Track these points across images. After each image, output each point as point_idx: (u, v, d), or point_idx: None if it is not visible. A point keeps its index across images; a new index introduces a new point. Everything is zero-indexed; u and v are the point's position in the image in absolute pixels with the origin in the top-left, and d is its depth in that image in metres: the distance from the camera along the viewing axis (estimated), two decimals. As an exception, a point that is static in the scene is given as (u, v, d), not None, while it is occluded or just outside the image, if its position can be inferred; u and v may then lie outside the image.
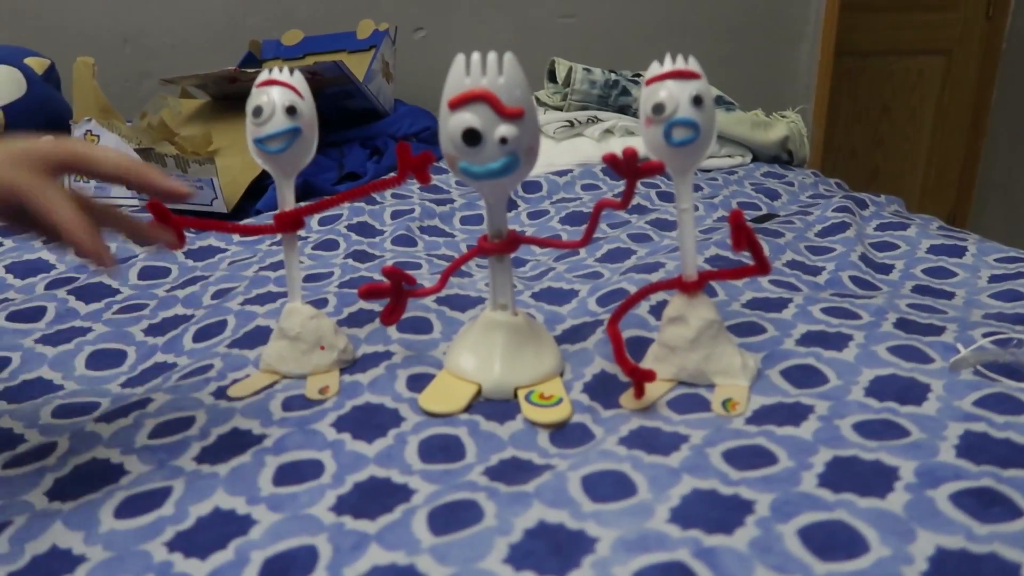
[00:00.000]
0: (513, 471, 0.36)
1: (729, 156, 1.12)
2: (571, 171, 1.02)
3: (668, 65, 0.39)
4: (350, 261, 0.67)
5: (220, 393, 0.43)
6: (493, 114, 0.38)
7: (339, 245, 0.73)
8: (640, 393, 0.40)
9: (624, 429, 0.38)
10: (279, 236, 0.45)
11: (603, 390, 0.43)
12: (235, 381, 0.45)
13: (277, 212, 0.44)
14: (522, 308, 0.51)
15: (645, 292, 0.44)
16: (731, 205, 0.90)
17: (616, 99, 1.19)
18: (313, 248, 0.72)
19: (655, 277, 0.58)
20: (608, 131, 1.12)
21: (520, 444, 0.39)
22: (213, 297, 0.59)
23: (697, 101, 0.38)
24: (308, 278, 0.62)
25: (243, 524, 0.32)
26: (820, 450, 0.35)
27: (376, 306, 0.54)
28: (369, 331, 0.50)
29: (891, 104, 2.15)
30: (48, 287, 0.62)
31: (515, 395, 0.43)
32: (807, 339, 0.46)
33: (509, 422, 0.40)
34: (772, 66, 1.76)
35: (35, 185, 0.32)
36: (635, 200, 0.82)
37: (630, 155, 0.38)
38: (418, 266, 0.67)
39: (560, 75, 1.22)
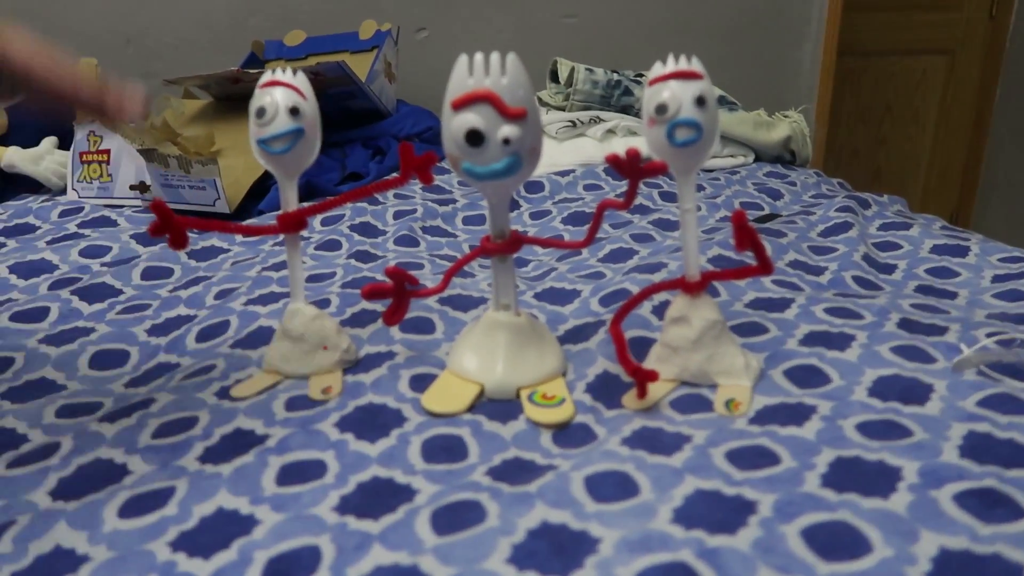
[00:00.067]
0: (516, 471, 0.36)
1: (732, 156, 1.11)
2: (573, 171, 1.02)
3: (671, 65, 0.39)
4: (353, 261, 0.67)
5: (223, 393, 0.43)
6: (496, 114, 0.38)
7: (342, 245, 0.73)
8: (643, 393, 0.40)
9: (627, 429, 0.38)
10: (282, 236, 0.45)
11: (606, 390, 0.43)
12: (238, 381, 0.45)
13: (280, 212, 0.45)
14: (525, 308, 0.51)
15: (648, 292, 0.44)
16: (733, 205, 0.90)
17: (618, 99, 1.19)
18: (316, 248, 0.72)
19: (657, 277, 0.58)
20: (610, 131, 1.12)
21: (523, 444, 0.39)
22: (216, 297, 0.60)
23: (700, 102, 0.38)
24: (311, 278, 0.63)
25: (246, 524, 0.32)
26: (823, 450, 0.35)
27: (379, 306, 0.54)
28: (372, 331, 0.50)
29: (894, 104, 2.15)
30: (51, 287, 0.62)
31: (518, 395, 0.43)
32: (810, 339, 0.46)
33: (512, 422, 0.40)
34: (774, 66, 1.76)
35: None
36: (637, 200, 0.82)
37: (633, 155, 0.38)
38: (420, 266, 0.67)
39: (562, 75, 1.22)
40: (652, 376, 0.40)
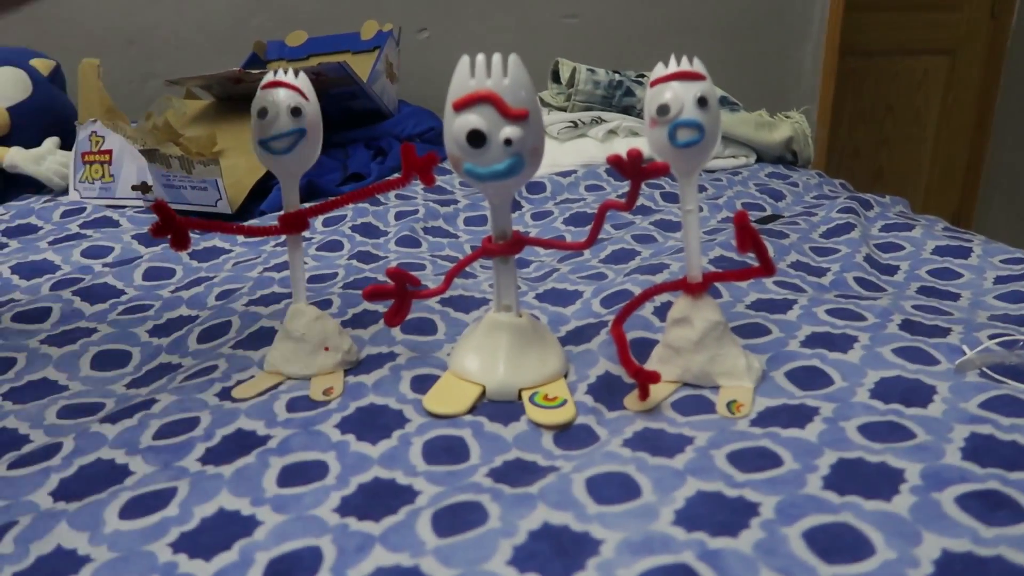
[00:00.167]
0: (517, 473, 0.36)
1: (733, 157, 1.11)
2: (575, 172, 1.01)
3: (673, 66, 0.39)
4: (354, 262, 0.67)
5: (224, 394, 0.43)
6: (498, 115, 0.38)
7: (343, 246, 0.73)
8: (644, 395, 0.40)
9: (628, 431, 0.38)
10: (283, 237, 0.45)
11: (607, 392, 0.43)
12: (239, 382, 0.45)
13: (281, 213, 0.45)
14: (526, 309, 0.51)
15: (649, 293, 0.44)
16: (735, 206, 0.90)
17: (620, 100, 1.19)
18: (317, 249, 0.72)
19: (659, 278, 0.58)
20: (612, 132, 1.12)
21: (524, 446, 0.39)
22: (218, 298, 0.60)
23: (702, 102, 0.38)
24: (312, 279, 0.63)
25: (247, 525, 0.32)
26: (825, 452, 0.35)
27: (380, 307, 0.54)
28: (373, 332, 0.50)
29: (896, 104, 2.15)
30: (53, 288, 0.62)
31: (519, 396, 0.43)
32: (812, 341, 0.46)
33: (513, 423, 0.40)
34: (776, 66, 1.76)
35: None
36: (639, 201, 0.82)
37: (635, 156, 0.38)
38: (422, 267, 0.67)
39: (564, 76, 1.22)
40: (654, 377, 0.40)
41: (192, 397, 0.43)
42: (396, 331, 0.50)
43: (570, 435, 0.39)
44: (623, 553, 0.29)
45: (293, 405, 0.42)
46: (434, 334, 0.51)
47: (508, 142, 0.38)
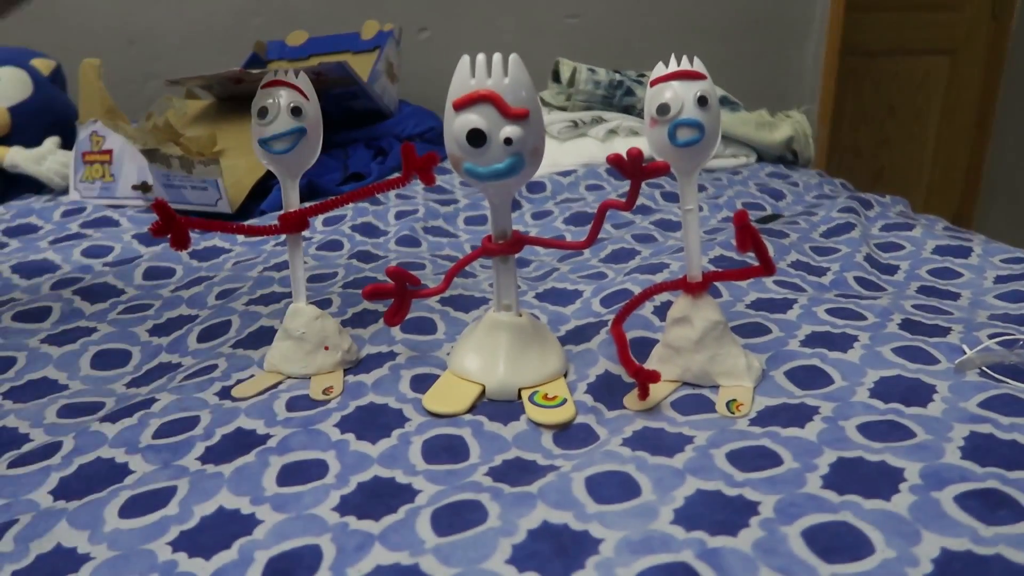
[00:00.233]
0: (517, 472, 0.36)
1: (734, 156, 1.11)
2: (575, 171, 1.02)
3: (673, 66, 0.39)
4: (354, 262, 0.67)
5: (224, 393, 0.43)
6: (498, 115, 0.38)
7: (343, 245, 0.73)
8: (644, 394, 0.40)
9: (628, 430, 0.38)
10: (284, 237, 0.45)
11: (607, 391, 0.43)
12: (239, 381, 0.45)
13: (282, 213, 0.45)
14: (526, 309, 0.51)
15: (649, 293, 0.44)
16: (736, 206, 0.90)
17: (620, 99, 1.19)
18: (317, 248, 0.72)
19: (659, 278, 0.58)
20: (612, 131, 1.12)
21: (524, 445, 0.39)
22: (218, 297, 0.60)
23: (702, 102, 0.38)
24: (312, 278, 0.63)
25: (247, 524, 0.32)
26: (825, 451, 0.35)
27: (380, 307, 0.54)
28: (373, 331, 0.50)
29: (896, 104, 2.15)
30: (54, 287, 0.62)
31: (519, 396, 0.43)
32: (812, 340, 0.46)
33: (513, 423, 0.40)
34: (777, 66, 1.76)
35: None
36: (639, 201, 0.82)
37: (635, 156, 0.38)
38: (422, 267, 0.67)
39: (564, 75, 1.22)
40: (654, 377, 0.40)
41: (192, 396, 0.43)
42: (396, 330, 0.50)
43: (570, 434, 0.39)
44: (622, 552, 0.29)
45: (293, 404, 0.42)
46: (434, 333, 0.51)
47: (508, 141, 0.38)
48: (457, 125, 0.38)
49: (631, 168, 0.39)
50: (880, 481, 0.32)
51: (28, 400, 0.46)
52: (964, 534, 0.29)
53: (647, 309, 0.51)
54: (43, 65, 1.10)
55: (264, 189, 0.90)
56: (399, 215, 0.84)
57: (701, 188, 0.97)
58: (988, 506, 0.30)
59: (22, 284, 0.64)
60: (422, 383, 0.44)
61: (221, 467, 0.36)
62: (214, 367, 0.47)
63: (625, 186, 0.95)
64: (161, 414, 0.41)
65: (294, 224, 0.44)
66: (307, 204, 0.45)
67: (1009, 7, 2.05)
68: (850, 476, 0.33)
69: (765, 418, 0.39)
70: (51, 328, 0.54)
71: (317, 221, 0.81)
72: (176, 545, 0.31)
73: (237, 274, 0.64)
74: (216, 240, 0.74)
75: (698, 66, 0.39)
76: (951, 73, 2.13)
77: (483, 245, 0.44)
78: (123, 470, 0.37)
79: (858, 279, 0.62)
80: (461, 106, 0.38)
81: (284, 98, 0.42)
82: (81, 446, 0.38)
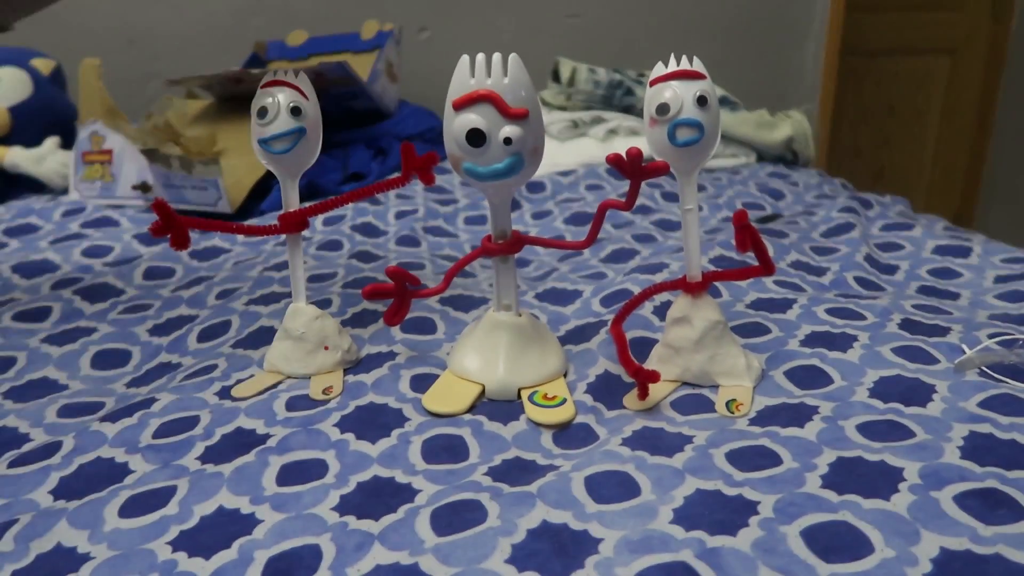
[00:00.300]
0: (516, 472, 0.36)
1: (734, 156, 1.11)
2: (575, 171, 1.02)
3: (672, 66, 0.39)
4: (354, 261, 0.67)
5: (224, 393, 0.43)
6: (497, 115, 0.38)
7: (343, 245, 0.73)
8: (644, 394, 0.40)
9: (628, 430, 0.38)
10: (283, 237, 0.45)
11: (607, 391, 0.43)
12: (239, 381, 0.45)
13: (281, 213, 0.45)
14: (526, 309, 0.51)
15: (649, 293, 0.44)
16: (735, 205, 0.90)
17: (620, 99, 1.19)
18: (317, 248, 0.72)
19: (659, 278, 0.58)
20: (612, 131, 1.12)
21: (523, 445, 0.39)
22: (218, 297, 0.60)
23: (702, 101, 0.38)
24: (312, 278, 0.63)
25: (247, 523, 0.32)
26: (824, 451, 0.35)
27: (380, 306, 0.54)
28: (373, 331, 0.50)
29: (897, 104, 2.15)
30: (54, 287, 0.62)
31: (519, 396, 0.43)
32: (811, 340, 0.46)
33: (512, 423, 0.40)
34: (777, 66, 1.76)
35: None
36: (639, 200, 0.82)
37: (634, 156, 0.38)
38: (422, 266, 0.67)
39: (564, 75, 1.22)
40: (653, 377, 0.40)
41: (192, 396, 0.43)
42: (396, 330, 0.50)
43: (569, 434, 0.39)
44: (622, 552, 0.29)
45: (293, 404, 0.42)
46: (434, 333, 0.51)
47: (508, 141, 0.38)
48: (457, 125, 0.38)
49: (631, 168, 0.39)
50: (879, 481, 0.32)
51: (28, 400, 0.46)
52: (963, 533, 0.29)
53: (647, 309, 0.51)
54: (43, 65, 1.10)
55: (264, 189, 0.90)
56: (399, 215, 0.84)
57: (701, 188, 0.97)
58: (987, 506, 0.30)
59: (22, 284, 0.64)
60: (422, 383, 0.44)
61: (221, 467, 0.36)
62: (214, 367, 0.47)
63: (625, 186, 0.95)
64: (161, 414, 0.41)
65: (294, 224, 0.44)
66: (307, 204, 0.45)
67: (1009, 7, 2.05)
68: (849, 476, 0.33)
69: (765, 418, 0.39)
70: (51, 328, 0.54)
71: (317, 221, 0.81)
72: (176, 545, 0.31)
73: (237, 274, 0.64)
74: (216, 240, 0.74)
75: (698, 66, 0.39)
76: (951, 73, 2.13)
77: (483, 245, 0.44)
78: (123, 470, 0.37)
79: (858, 279, 0.62)
80: (461, 106, 0.38)
81: (284, 98, 0.42)
82: (81, 446, 0.38)
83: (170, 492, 0.34)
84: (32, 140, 0.99)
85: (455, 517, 0.32)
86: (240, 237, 0.76)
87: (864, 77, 2.08)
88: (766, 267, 0.41)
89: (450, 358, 0.45)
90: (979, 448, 0.34)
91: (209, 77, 1.03)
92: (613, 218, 0.81)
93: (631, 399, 0.41)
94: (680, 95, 0.38)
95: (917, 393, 0.39)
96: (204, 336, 0.53)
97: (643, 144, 0.40)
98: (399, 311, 0.47)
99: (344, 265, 0.66)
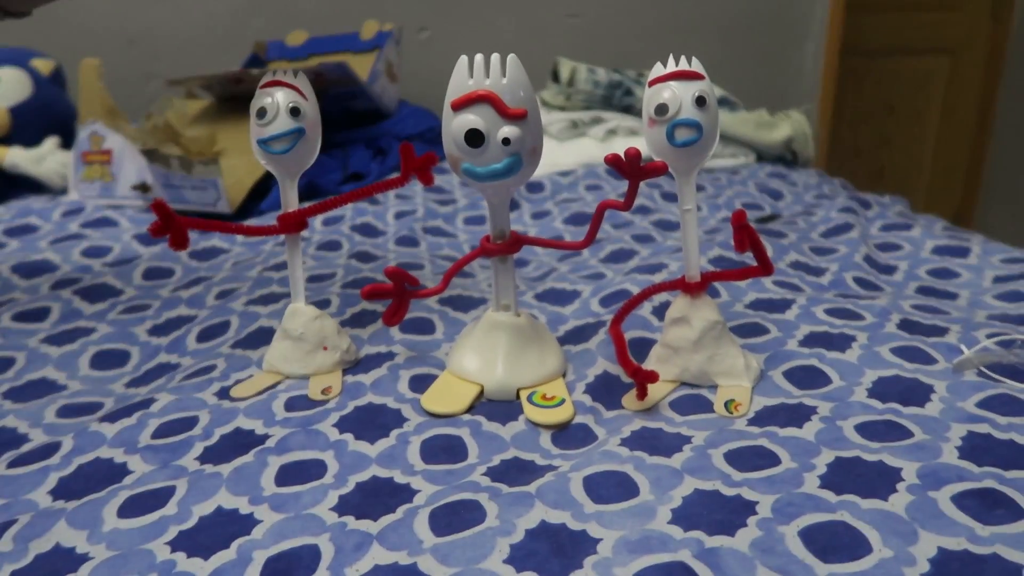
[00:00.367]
0: (515, 472, 0.36)
1: (733, 156, 1.11)
2: (574, 171, 1.02)
3: (671, 66, 0.39)
4: (353, 262, 0.67)
5: (223, 393, 0.44)
6: (496, 115, 0.38)
7: (342, 246, 0.73)
8: (643, 394, 0.40)
9: (626, 430, 0.38)
10: (283, 237, 0.46)
11: (605, 391, 0.43)
12: (238, 381, 0.45)
13: (280, 213, 0.45)
14: (525, 309, 0.51)
15: (648, 293, 0.44)
16: (734, 205, 0.90)
17: (620, 99, 1.19)
18: (316, 249, 0.72)
19: (658, 278, 0.58)
20: (611, 131, 1.12)
21: (522, 445, 0.39)
22: (217, 297, 0.60)
23: (700, 102, 0.38)
24: (311, 278, 0.63)
25: (246, 524, 0.32)
26: (823, 451, 0.35)
27: (379, 307, 0.54)
28: (372, 332, 0.50)
29: (896, 104, 2.15)
30: (53, 287, 0.62)
31: (517, 396, 0.43)
32: (810, 340, 0.46)
33: (511, 423, 0.40)
34: (777, 66, 1.76)
35: None
36: (638, 201, 0.82)
37: (633, 156, 0.38)
38: (421, 267, 0.67)
39: (563, 75, 1.22)
40: (652, 377, 0.40)
41: (191, 396, 0.43)
42: (395, 330, 0.50)
43: (568, 434, 0.39)
44: (620, 552, 0.29)
45: (291, 404, 0.42)
46: (432, 333, 0.51)
47: (506, 142, 0.38)
48: (455, 125, 0.38)
49: (629, 168, 0.39)
50: (878, 481, 0.32)
51: (27, 400, 0.46)
52: (961, 533, 0.29)
53: (646, 309, 0.51)
54: (43, 65, 1.10)
55: (263, 189, 0.90)
56: (398, 215, 0.84)
57: (700, 188, 0.97)
58: (985, 506, 0.31)
59: (22, 284, 0.64)
60: (421, 383, 0.44)
61: (220, 467, 0.36)
62: (213, 367, 0.47)
63: (624, 186, 0.95)
64: (160, 414, 0.41)
65: (293, 224, 0.45)
66: (306, 204, 0.45)
67: (1009, 7, 2.05)
68: (848, 476, 0.33)
69: (763, 418, 0.39)
70: (50, 328, 0.54)
71: (316, 221, 0.81)
72: (175, 545, 0.31)
73: (236, 274, 0.64)
74: (215, 240, 0.74)
75: (696, 66, 0.39)
76: (951, 73, 2.13)
77: (482, 245, 0.44)
78: (122, 470, 0.37)
79: (857, 279, 0.62)
80: (459, 106, 0.38)
81: (283, 98, 0.42)
82: (80, 446, 0.39)
83: (169, 492, 0.34)
84: (32, 140, 0.99)
85: (454, 517, 0.32)
86: (239, 237, 0.76)
87: (864, 77, 2.08)
88: (765, 267, 0.41)
89: (449, 358, 0.45)
90: (977, 448, 0.34)
91: (209, 77, 1.03)
92: (612, 218, 0.82)
93: (630, 399, 0.41)
94: (679, 95, 0.38)
95: (915, 393, 0.40)
96: (203, 336, 0.53)
97: (642, 144, 0.40)
98: (398, 311, 0.47)
99: (343, 265, 0.66)
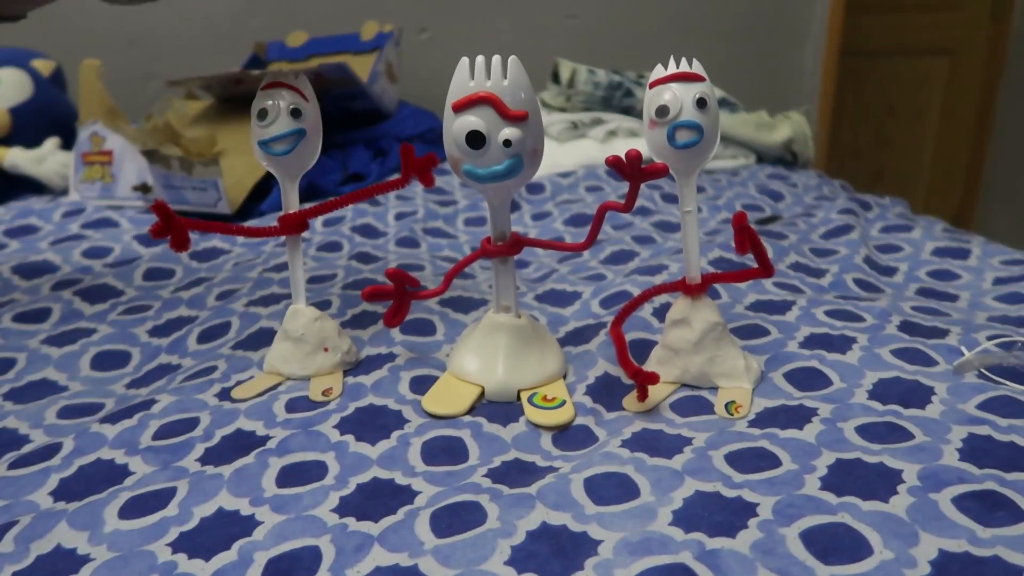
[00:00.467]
0: (516, 473, 0.36)
1: (733, 158, 1.11)
2: (575, 173, 1.02)
3: (672, 68, 0.39)
4: (354, 263, 0.67)
5: (224, 394, 0.44)
6: (497, 117, 0.38)
7: (343, 247, 0.73)
8: (643, 396, 0.40)
9: (627, 431, 0.38)
10: (283, 238, 0.46)
11: (606, 392, 0.43)
12: (239, 383, 0.45)
13: (281, 214, 0.45)
14: (525, 310, 0.51)
15: (648, 294, 0.44)
16: (735, 207, 0.90)
17: (620, 100, 1.19)
18: (317, 250, 0.73)
19: (658, 279, 0.58)
20: (612, 133, 1.12)
21: (523, 446, 0.39)
22: (217, 298, 0.60)
23: (701, 103, 0.38)
24: (312, 280, 0.63)
25: (247, 525, 0.32)
26: (823, 453, 0.35)
27: (380, 308, 0.54)
28: (372, 333, 0.50)
29: (896, 105, 2.15)
30: (54, 288, 0.62)
31: (518, 397, 0.43)
32: (810, 342, 0.46)
33: (512, 424, 0.40)
34: (777, 67, 1.76)
35: None
36: (638, 202, 0.82)
37: (634, 157, 0.38)
38: (421, 268, 0.67)
39: (564, 76, 1.22)
40: (653, 378, 0.40)
41: (192, 397, 0.43)
42: (395, 332, 0.50)
43: (569, 436, 0.39)
44: (621, 553, 0.29)
45: (292, 405, 0.42)
46: (433, 335, 0.51)
47: (507, 143, 0.38)
48: (456, 127, 0.38)
49: (630, 170, 0.39)
50: (878, 482, 0.33)
51: (28, 401, 0.46)
52: (962, 535, 0.29)
53: (646, 311, 0.51)
54: (43, 66, 1.10)
55: (264, 190, 0.90)
56: (398, 216, 0.84)
57: (700, 189, 0.98)
58: (986, 507, 0.31)
59: (22, 285, 0.64)
60: (421, 384, 0.44)
61: (221, 468, 0.36)
62: (214, 368, 0.47)
63: (624, 187, 0.96)
64: (161, 415, 0.41)
65: (293, 225, 0.45)
66: (307, 205, 0.45)
67: (1009, 7, 2.05)
68: (848, 477, 0.33)
69: (764, 420, 0.39)
70: (51, 329, 0.54)
71: (317, 222, 0.81)
72: (176, 546, 0.31)
73: (237, 275, 0.64)
74: (216, 241, 0.74)
75: (697, 68, 0.39)
76: (951, 74, 2.13)
77: (482, 246, 0.44)
78: (123, 471, 0.37)
79: (857, 281, 0.62)
80: (460, 108, 0.38)
81: (284, 100, 0.42)
82: (81, 447, 0.39)
83: (170, 493, 0.34)
84: (32, 141, 0.99)
85: (455, 519, 0.32)
86: (240, 238, 0.76)
87: (863, 78, 2.08)
88: (765, 269, 0.41)
89: (449, 360, 0.45)
90: (978, 450, 0.34)
91: (209, 78, 1.03)
92: (612, 219, 0.82)
93: (630, 401, 0.41)
94: (679, 97, 0.38)
95: (916, 395, 0.40)
96: (204, 337, 0.53)
97: (642, 146, 0.40)
98: (398, 313, 0.47)
99: (344, 266, 0.66)
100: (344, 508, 0.33)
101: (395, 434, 0.39)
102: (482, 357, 0.44)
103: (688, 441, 0.37)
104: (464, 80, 0.38)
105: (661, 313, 0.51)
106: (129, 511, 0.33)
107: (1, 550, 0.31)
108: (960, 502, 0.31)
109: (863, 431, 0.37)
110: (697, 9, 1.66)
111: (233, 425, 0.40)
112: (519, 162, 0.39)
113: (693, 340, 0.42)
